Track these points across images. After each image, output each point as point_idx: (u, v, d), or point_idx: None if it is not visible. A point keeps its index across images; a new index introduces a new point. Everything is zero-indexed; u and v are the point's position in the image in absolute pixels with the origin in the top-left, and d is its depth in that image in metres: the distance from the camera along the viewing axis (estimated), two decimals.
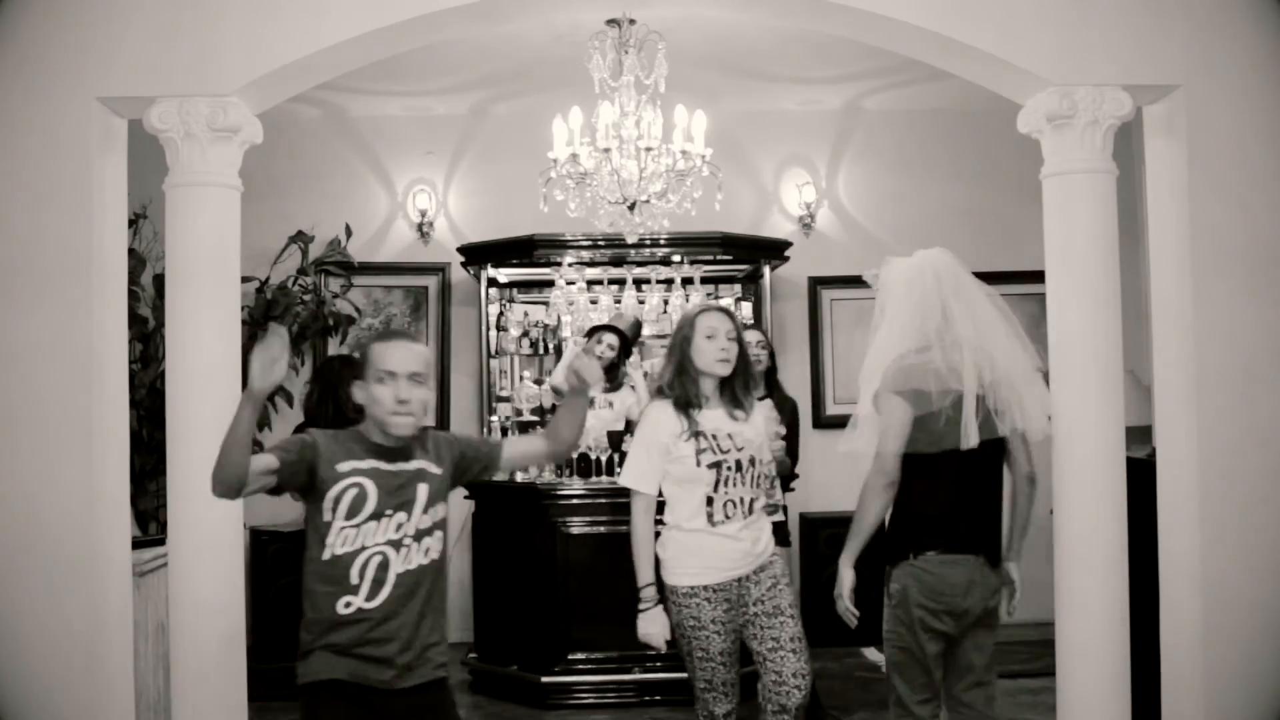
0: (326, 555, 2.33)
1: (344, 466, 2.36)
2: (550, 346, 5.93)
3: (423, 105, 6.06)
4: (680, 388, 3.02)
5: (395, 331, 2.94)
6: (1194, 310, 3.23)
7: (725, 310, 3.11)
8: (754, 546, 3.01)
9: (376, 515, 2.35)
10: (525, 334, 5.97)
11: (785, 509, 4.09)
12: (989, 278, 6.35)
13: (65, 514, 3.06)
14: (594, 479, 4.92)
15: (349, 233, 5.96)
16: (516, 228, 5.57)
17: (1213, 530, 3.20)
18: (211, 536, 3.17)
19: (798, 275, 6.20)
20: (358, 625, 2.31)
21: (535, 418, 5.77)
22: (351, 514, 2.34)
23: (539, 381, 5.96)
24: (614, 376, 5.37)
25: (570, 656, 4.75)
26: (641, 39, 4.38)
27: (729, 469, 2.97)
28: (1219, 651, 3.18)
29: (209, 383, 3.18)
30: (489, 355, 5.80)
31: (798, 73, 5.68)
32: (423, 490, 2.41)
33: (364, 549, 2.33)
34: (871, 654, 5.42)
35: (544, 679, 4.75)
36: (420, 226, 6.16)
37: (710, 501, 2.97)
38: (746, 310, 6.01)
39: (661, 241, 5.41)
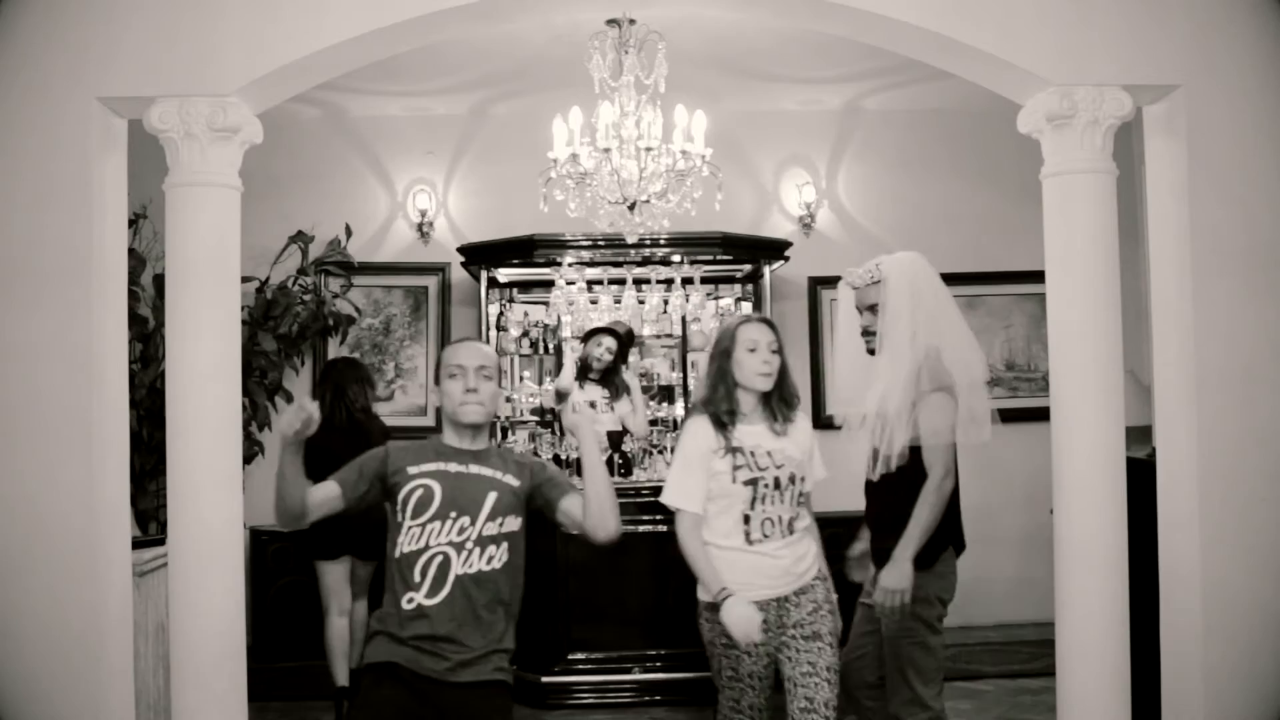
0: (397, 553, 2.50)
1: (414, 469, 2.55)
2: (550, 346, 5.93)
3: (423, 105, 6.06)
4: (719, 402, 2.91)
5: (464, 338, 3.13)
6: (1194, 310, 3.23)
7: (767, 321, 3.00)
8: (795, 565, 2.89)
9: (440, 516, 2.49)
10: (525, 334, 5.97)
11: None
12: (989, 278, 6.48)
13: (65, 514, 3.06)
14: None
15: (349, 233, 5.97)
16: (516, 228, 5.57)
17: (1212, 530, 3.20)
18: (211, 536, 3.17)
19: (798, 275, 6.20)
20: (418, 620, 2.44)
21: (534, 417, 5.77)
22: (417, 513, 2.50)
23: (538, 380, 5.96)
24: (612, 380, 5.38)
25: (570, 656, 4.75)
26: (641, 39, 4.38)
27: (766, 486, 2.86)
28: (1219, 651, 3.18)
29: (209, 383, 3.18)
30: None
31: (798, 73, 5.68)
32: (491, 498, 2.52)
33: (428, 548, 2.47)
34: None
35: (544, 679, 4.75)
36: (420, 226, 6.16)
37: (747, 519, 2.85)
38: (746, 310, 6.01)
39: (661, 241, 5.41)
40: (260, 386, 5.49)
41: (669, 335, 5.92)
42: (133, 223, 4.59)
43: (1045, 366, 5.04)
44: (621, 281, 5.84)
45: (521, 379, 6.06)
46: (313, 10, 3.20)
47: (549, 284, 5.84)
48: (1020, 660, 5.24)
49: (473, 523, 2.49)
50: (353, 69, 3.49)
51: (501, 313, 5.94)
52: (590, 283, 5.80)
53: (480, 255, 5.68)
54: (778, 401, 2.94)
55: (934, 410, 3.07)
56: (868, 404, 3.17)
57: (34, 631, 3.04)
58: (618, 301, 5.83)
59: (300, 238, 5.82)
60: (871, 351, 3.22)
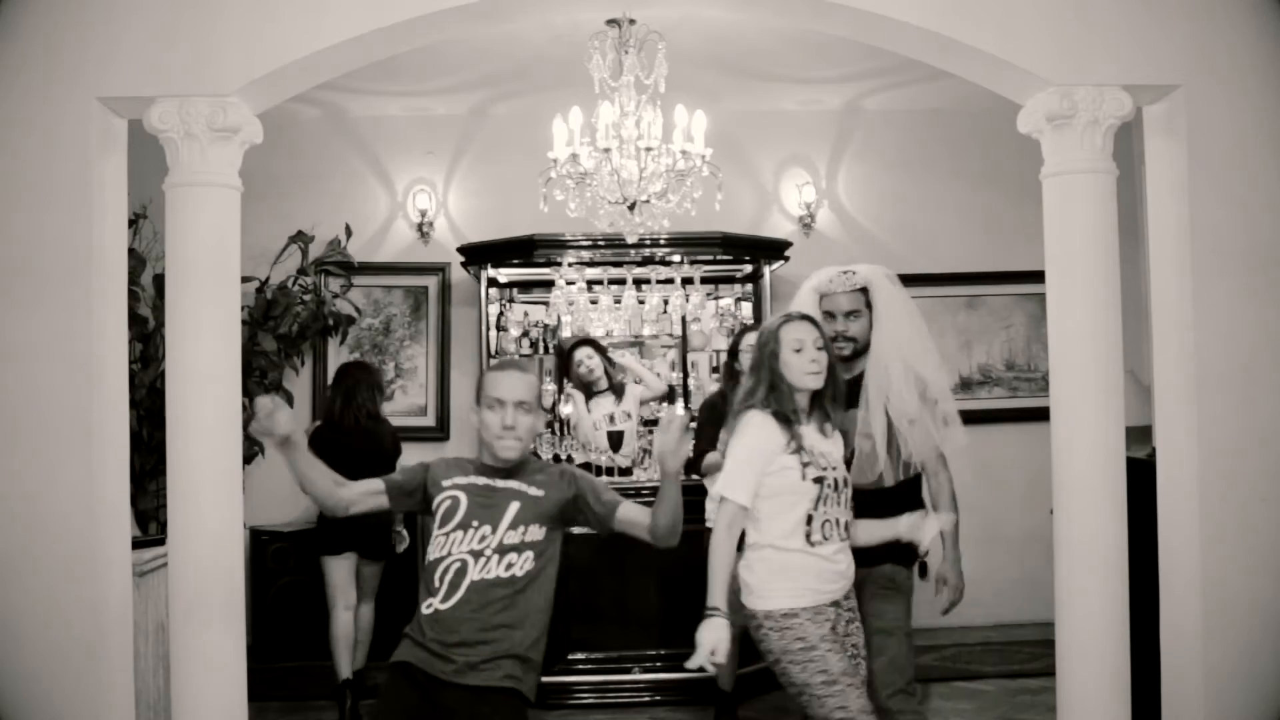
0: (426, 561, 2.58)
1: (448, 482, 2.61)
2: (550, 346, 5.93)
3: (423, 105, 6.06)
4: (782, 401, 2.81)
5: (509, 361, 3.21)
6: (1194, 310, 3.23)
7: (809, 318, 2.90)
8: (848, 569, 2.84)
9: (464, 525, 2.54)
10: (525, 334, 5.96)
11: None
12: (989, 278, 6.48)
13: (65, 514, 3.06)
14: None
15: (349, 233, 5.97)
16: (516, 228, 5.57)
17: (1212, 530, 3.20)
18: (211, 536, 3.17)
19: (798, 275, 6.13)
20: (435, 624, 2.50)
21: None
22: (444, 523, 2.56)
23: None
24: (611, 382, 5.40)
25: (570, 656, 4.75)
26: (641, 39, 4.38)
27: (829, 486, 2.78)
28: (1219, 651, 3.18)
29: (209, 383, 3.18)
30: (489, 355, 5.79)
31: (798, 73, 5.68)
32: (512, 508, 2.55)
33: (449, 555, 2.53)
34: None
35: (544, 679, 4.74)
36: (420, 226, 6.16)
37: (810, 520, 2.76)
38: (747, 310, 6.01)
39: (661, 241, 5.41)
40: (260, 386, 5.49)
41: (669, 335, 5.92)
42: (133, 223, 4.59)
43: (1045, 366, 5.04)
44: (621, 281, 5.84)
45: None
46: (313, 10, 3.20)
47: (549, 284, 5.84)
48: (1020, 660, 5.24)
49: (493, 531, 2.53)
50: (353, 69, 3.49)
51: (501, 313, 5.94)
52: (590, 283, 5.79)
53: (480, 255, 5.68)
54: (829, 400, 2.87)
55: (951, 421, 3.18)
56: (869, 412, 3.13)
57: (34, 631, 3.04)
58: (618, 301, 5.83)
59: (300, 238, 5.82)
60: (844, 358, 3.16)
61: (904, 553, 3.08)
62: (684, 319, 5.81)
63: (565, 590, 4.70)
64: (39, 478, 3.06)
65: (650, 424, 5.64)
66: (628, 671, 4.78)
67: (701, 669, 2.68)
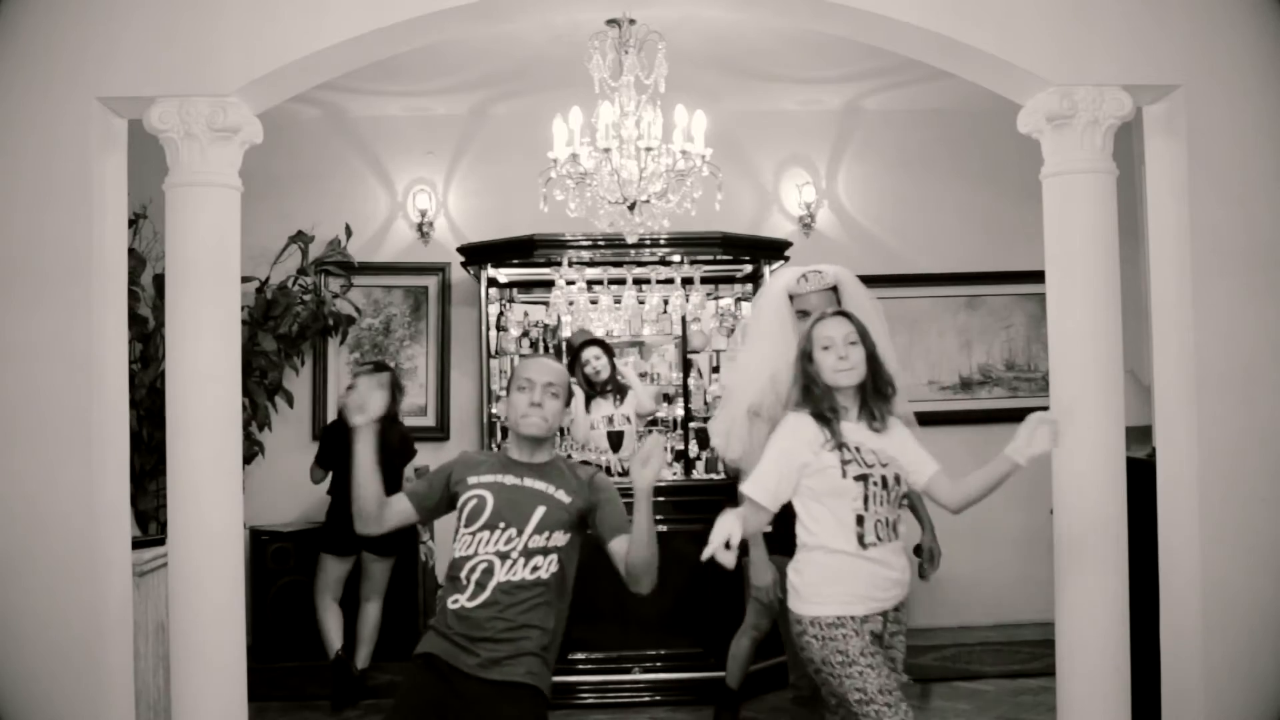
0: (452, 556, 2.62)
1: (474, 479, 2.65)
2: (550, 346, 5.93)
3: (423, 105, 6.06)
4: (819, 401, 2.76)
5: (537, 354, 3.14)
6: (1194, 310, 3.23)
7: (843, 314, 2.84)
8: (903, 575, 2.73)
9: (490, 526, 2.58)
10: (525, 334, 5.96)
11: None
12: (989, 278, 6.47)
13: (65, 514, 3.06)
14: None
15: (349, 233, 5.97)
16: (516, 228, 5.57)
17: (1212, 530, 3.20)
18: (211, 536, 3.17)
19: None
20: (460, 621, 2.55)
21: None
22: (470, 522, 2.60)
23: None
24: (612, 384, 5.40)
25: (570, 656, 4.75)
26: (641, 39, 4.38)
27: (875, 485, 2.69)
28: (1219, 651, 3.18)
29: (209, 383, 3.18)
30: (489, 355, 5.79)
31: (798, 73, 5.68)
32: (539, 511, 2.59)
33: (476, 555, 2.57)
34: None
35: None
36: (420, 226, 6.16)
37: (861, 520, 2.66)
38: (747, 310, 6.00)
39: (661, 241, 5.41)
40: (260, 386, 5.49)
41: (669, 335, 5.92)
42: (133, 223, 4.59)
43: (1045, 366, 5.04)
44: (621, 281, 5.84)
45: None
46: (313, 10, 3.20)
47: (549, 284, 5.84)
48: (1020, 660, 5.24)
49: (519, 534, 2.57)
50: (353, 69, 3.49)
51: (501, 313, 5.94)
52: (590, 283, 5.79)
53: (480, 255, 5.68)
54: (872, 396, 2.78)
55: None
56: None
57: (34, 631, 3.04)
58: (618, 301, 5.83)
59: (300, 238, 5.82)
60: None
61: None
62: (684, 319, 5.81)
63: None
64: (39, 478, 3.06)
65: (651, 424, 5.64)
66: (628, 671, 4.78)
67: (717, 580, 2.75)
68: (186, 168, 3.20)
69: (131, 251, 4.43)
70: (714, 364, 6.03)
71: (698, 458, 5.54)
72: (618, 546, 2.61)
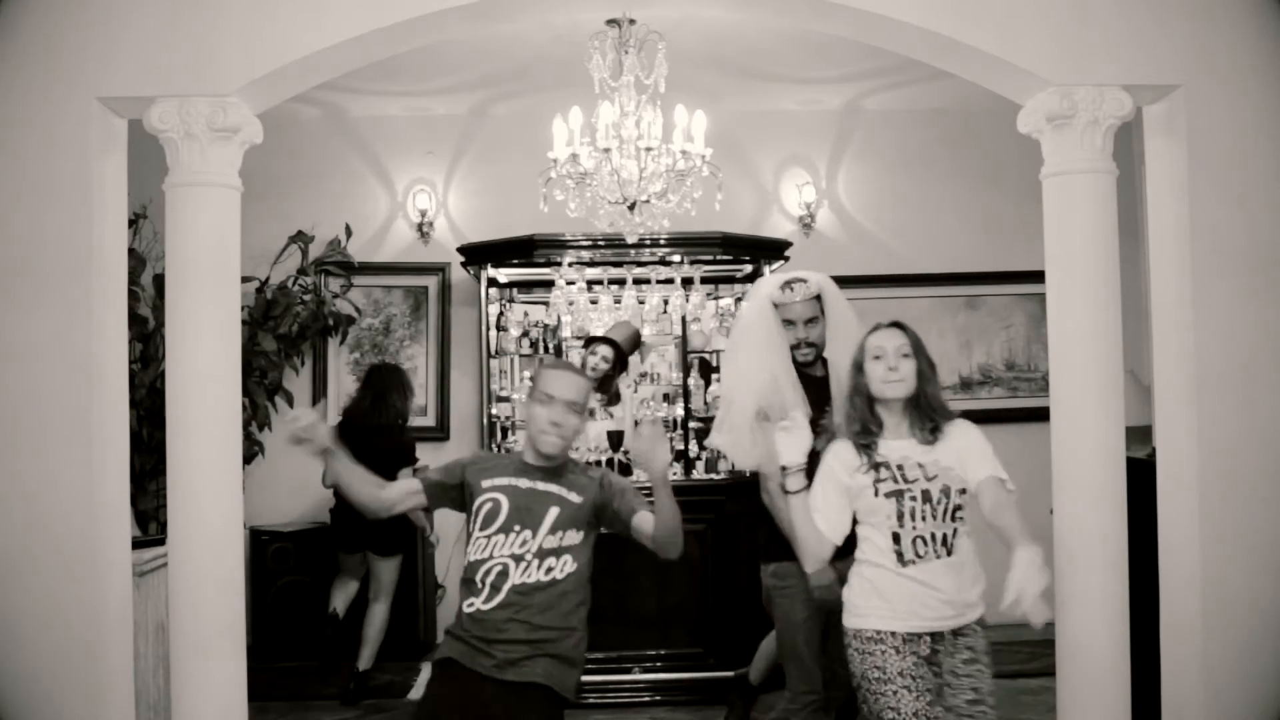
0: (467, 560, 2.65)
1: (487, 482, 2.66)
2: (550, 346, 5.93)
3: (423, 105, 6.06)
4: (851, 423, 2.74)
5: (565, 363, 3.33)
6: (1194, 310, 3.23)
7: (897, 325, 2.79)
8: (957, 595, 2.63)
9: (505, 529, 2.60)
10: (525, 334, 5.96)
11: None
12: (989, 278, 6.46)
13: (65, 514, 3.06)
14: None
15: (349, 233, 5.97)
16: (516, 228, 5.56)
17: (1212, 529, 3.20)
18: (211, 536, 3.17)
19: None
20: (476, 624, 2.58)
21: (521, 419, 5.76)
22: (485, 525, 2.62)
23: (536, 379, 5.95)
24: (609, 388, 5.39)
25: None
26: (641, 39, 4.38)
27: (913, 499, 2.62)
28: (1219, 651, 3.18)
29: (209, 383, 3.18)
30: (489, 355, 5.79)
31: (798, 73, 5.68)
32: (552, 513, 2.61)
33: (491, 558, 2.59)
34: None
35: None
36: (420, 226, 6.16)
37: (897, 538, 2.62)
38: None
39: (661, 241, 5.40)
40: (260, 386, 5.49)
41: (669, 335, 5.91)
42: (133, 223, 4.59)
43: (1045, 366, 5.04)
44: (621, 282, 5.83)
45: (522, 379, 6.06)
46: (313, 10, 3.20)
47: (549, 284, 5.84)
48: (1020, 660, 5.23)
49: (534, 536, 2.59)
50: (353, 69, 3.49)
51: (501, 313, 5.93)
52: (590, 283, 5.79)
53: (480, 255, 5.68)
54: (920, 409, 2.72)
55: None
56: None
57: (34, 631, 3.04)
58: (618, 302, 5.83)
59: (300, 238, 5.82)
60: (808, 363, 3.31)
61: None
62: (684, 319, 5.81)
63: None
64: (39, 478, 3.06)
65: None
66: (628, 671, 4.78)
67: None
68: (186, 168, 3.20)
69: (131, 251, 4.43)
70: (715, 364, 6.03)
71: (698, 458, 5.54)
72: (640, 522, 2.63)
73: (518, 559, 2.57)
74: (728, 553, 4.76)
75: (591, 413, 5.28)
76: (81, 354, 3.10)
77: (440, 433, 6.13)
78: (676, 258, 5.69)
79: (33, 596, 3.05)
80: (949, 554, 2.62)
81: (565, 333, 5.86)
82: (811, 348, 3.31)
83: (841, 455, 2.74)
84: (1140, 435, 4.20)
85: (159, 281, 4.80)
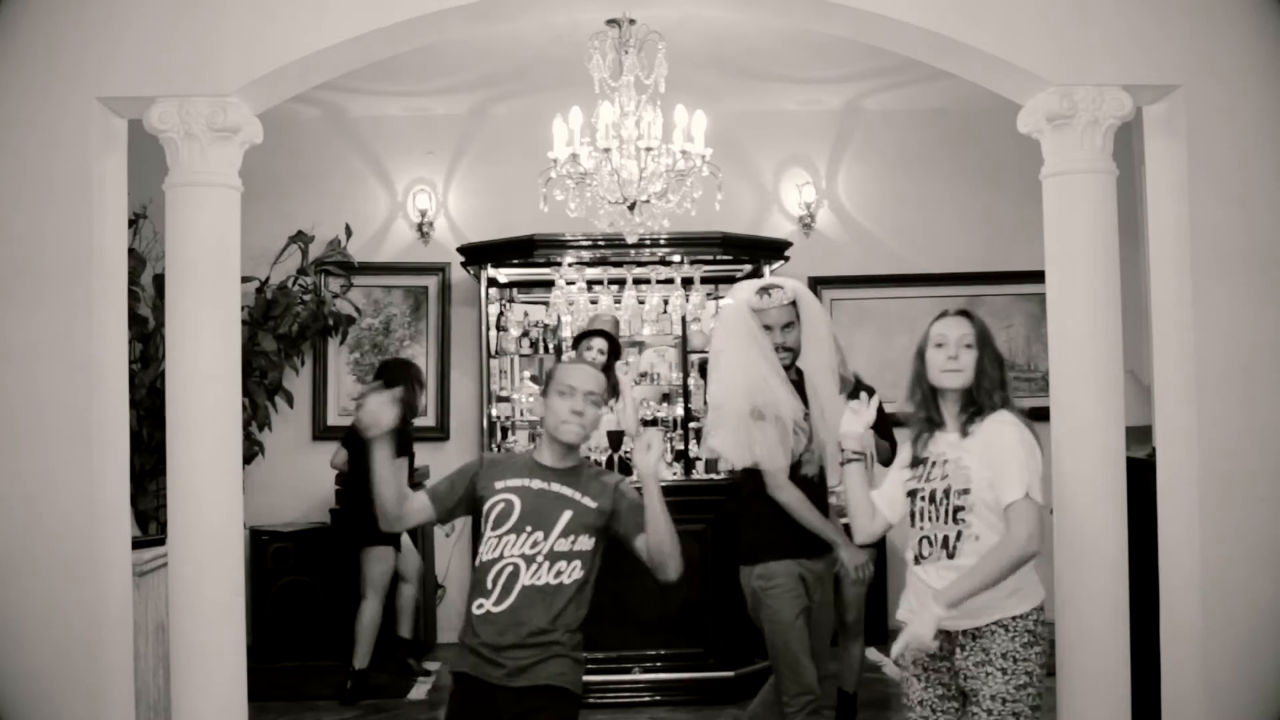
0: (478, 561, 2.64)
1: (500, 483, 2.66)
2: (550, 346, 5.93)
3: (423, 105, 6.06)
4: (920, 407, 2.69)
5: (579, 359, 3.37)
6: (1194, 310, 3.23)
7: (963, 313, 2.70)
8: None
9: (516, 529, 2.60)
10: (525, 334, 5.96)
11: None
12: (989, 278, 6.46)
13: (65, 514, 3.06)
14: None
15: (349, 233, 5.97)
16: (516, 228, 5.57)
17: (1212, 529, 3.20)
18: (211, 536, 3.17)
19: (798, 275, 6.11)
20: (485, 625, 2.58)
21: (535, 418, 5.76)
22: (497, 525, 2.62)
23: (538, 380, 5.96)
24: (609, 379, 5.36)
25: None
26: (641, 39, 4.38)
27: (923, 499, 2.61)
28: (1219, 650, 3.18)
29: (209, 383, 3.18)
30: (489, 355, 5.79)
31: (798, 73, 5.68)
32: (565, 516, 2.61)
33: (502, 558, 2.59)
34: (871, 654, 5.42)
35: None
36: (420, 226, 6.16)
37: (919, 538, 2.63)
38: None
39: (661, 241, 5.40)
40: (260, 386, 5.49)
41: (669, 335, 5.91)
42: (133, 223, 4.59)
43: (1045, 366, 5.03)
44: (621, 282, 5.84)
45: (522, 379, 6.06)
46: (313, 10, 3.20)
47: (549, 284, 5.84)
48: None
49: (545, 538, 2.59)
50: (353, 69, 3.49)
51: (501, 313, 5.93)
52: (590, 283, 5.79)
53: (480, 255, 5.68)
54: (978, 402, 2.61)
55: None
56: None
57: (34, 631, 3.04)
58: (618, 302, 5.83)
59: (300, 238, 5.82)
60: (784, 367, 3.33)
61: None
62: (684, 319, 5.81)
63: None
64: (39, 478, 3.06)
65: (649, 423, 5.64)
66: (628, 671, 4.77)
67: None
68: (186, 168, 3.20)
69: (131, 251, 4.43)
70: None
71: (698, 458, 5.54)
72: (641, 543, 2.64)
73: (529, 559, 2.58)
74: (728, 553, 4.76)
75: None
76: (81, 354, 3.10)
77: (440, 433, 6.13)
78: (676, 258, 5.69)
79: (33, 596, 3.05)
80: (949, 557, 2.56)
81: (565, 333, 5.85)
82: (788, 352, 3.34)
83: (903, 454, 2.76)
84: (1140, 435, 4.20)
85: (159, 281, 4.80)
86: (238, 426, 3.33)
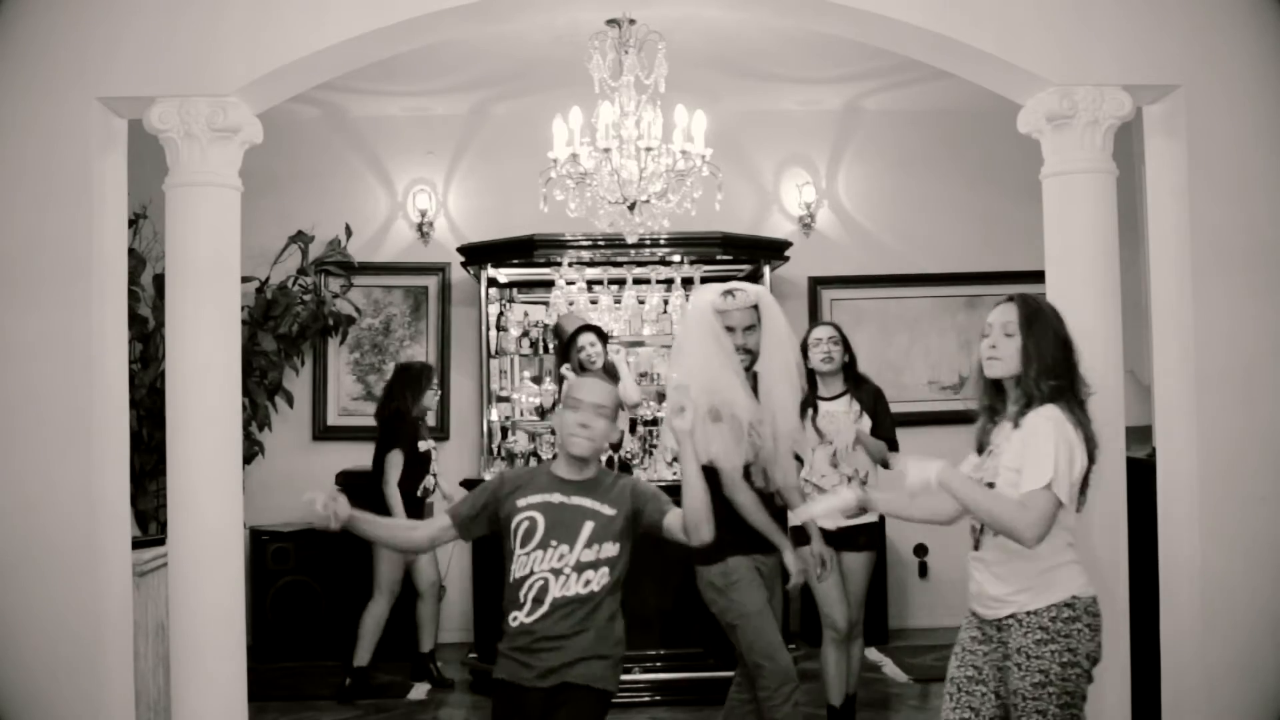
0: (510, 579, 2.71)
1: (523, 501, 2.73)
2: (550, 346, 5.93)
3: (423, 105, 6.06)
4: (982, 395, 2.65)
5: (592, 373, 3.42)
6: (1194, 310, 3.23)
7: (1013, 299, 2.59)
8: (985, 588, 2.56)
9: (543, 545, 2.67)
10: (525, 334, 5.96)
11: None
12: (989, 278, 6.46)
13: (65, 514, 3.06)
14: None
15: (349, 233, 5.97)
16: (516, 228, 5.57)
17: (1212, 529, 3.20)
18: (211, 536, 3.17)
19: (798, 275, 6.20)
20: (520, 635, 2.68)
21: (535, 417, 5.77)
22: (524, 543, 2.69)
23: (538, 380, 5.96)
24: (608, 372, 5.38)
25: None
26: (641, 39, 4.38)
27: None
28: (1219, 650, 3.18)
29: (208, 383, 3.18)
30: (489, 355, 5.80)
31: (798, 73, 5.68)
32: (587, 527, 2.68)
33: (532, 574, 2.67)
34: (871, 654, 5.43)
35: None
36: (420, 226, 6.16)
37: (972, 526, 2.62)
38: None
39: (661, 241, 5.41)
40: (260, 386, 5.49)
41: (669, 335, 5.91)
42: (133, 223, 4.59)
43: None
44: (621, 281, 5.84)
45: (522, 379, 6.06)
46: (313, 10, 3.20)
47: (549, 284, 5.84)
48: None
49: (571, 550, 2.66)
50: (353, 69, 3.49)
51: (501, 313, 5.94)
52: (590, 283, 5.79)
53: (480, 255, 5.68)
54: (1023, 391, 2.53)
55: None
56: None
57: (34, 631, 3.04)
58: (618, 301, 5.83)
59: (300, 238, 5.82)
60: (747, 369, 3.42)
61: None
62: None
63: None
64: (39, 478, 3.06)
65: (650, 423, 5.64)
66: (628, 671, 4.75)
67: None
68: (186, 168, 3.20)
69: (131, 251, 4.43)
70: None
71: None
72: (670, 521, 2.71)
73: (557, 573, 2.65)
74: None
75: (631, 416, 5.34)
76: (81, 354, 3.10)
77: (440, 433, 6.12)
78: (676, 258, 5.70)
79: (32, 596, 3.05)
80: (974, 548, 2.59)
81: (553, 339, 5.85)
82: (748, 354, 3.42)
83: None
84: (1140, 435, 4.20)
85: (159, 281, 4.81)
86: (238, 426, 3.33)
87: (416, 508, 4.93)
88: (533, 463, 5.36)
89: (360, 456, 5.30)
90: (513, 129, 6.07)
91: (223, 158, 3.24)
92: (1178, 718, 3.28)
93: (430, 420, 5.19)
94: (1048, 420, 2.47)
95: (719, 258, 5.73)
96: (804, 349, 4.17)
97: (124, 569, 3.25)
